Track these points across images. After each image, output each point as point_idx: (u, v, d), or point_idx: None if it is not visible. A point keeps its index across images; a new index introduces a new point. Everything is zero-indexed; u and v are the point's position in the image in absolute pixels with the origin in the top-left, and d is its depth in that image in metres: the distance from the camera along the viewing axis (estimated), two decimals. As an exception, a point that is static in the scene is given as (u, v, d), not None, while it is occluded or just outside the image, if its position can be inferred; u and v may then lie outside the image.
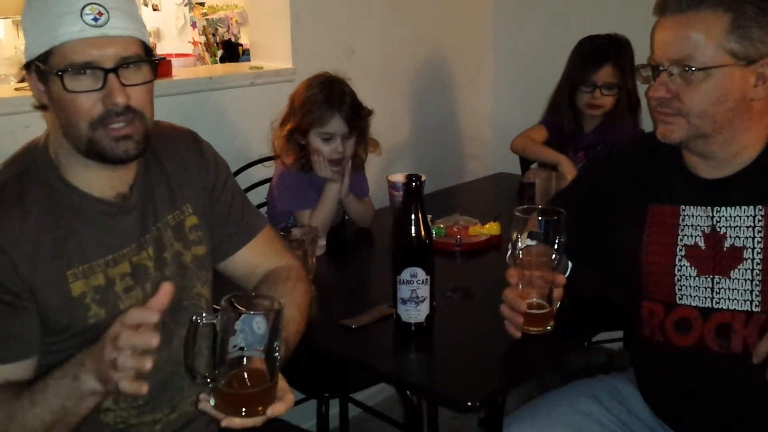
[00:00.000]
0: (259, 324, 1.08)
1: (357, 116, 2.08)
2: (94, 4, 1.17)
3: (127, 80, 1.20)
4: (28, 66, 1.22)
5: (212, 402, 1.12)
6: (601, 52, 2.52)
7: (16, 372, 1.20)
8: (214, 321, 1.11)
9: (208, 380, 1.13)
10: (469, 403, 1.33)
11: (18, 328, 1.20)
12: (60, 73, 1.16)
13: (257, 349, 1.09)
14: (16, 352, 1.21)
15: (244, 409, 1.11)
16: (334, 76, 2.11)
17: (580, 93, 2.56)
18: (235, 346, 1.08)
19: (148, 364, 1.07)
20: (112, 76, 1.18)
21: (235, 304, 1.08)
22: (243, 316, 1.07)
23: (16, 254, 1.18)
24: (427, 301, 1.50)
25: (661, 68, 1.36)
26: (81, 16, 1.16)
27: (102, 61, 1.18)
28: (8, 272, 1.18)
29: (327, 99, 2.04)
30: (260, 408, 1.12)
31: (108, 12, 1.18)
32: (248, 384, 1.11)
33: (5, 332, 1.19)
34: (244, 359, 1.10)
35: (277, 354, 1.11)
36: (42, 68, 1.19)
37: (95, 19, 1.17)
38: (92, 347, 1.12)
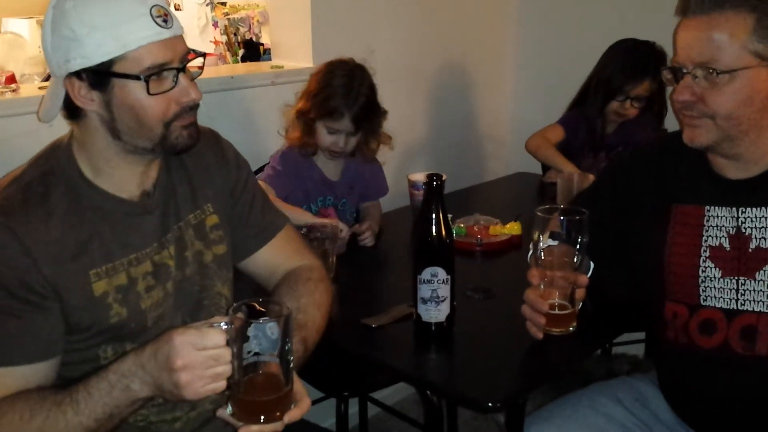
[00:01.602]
0: (272, 329, 1.08)
1: (367, 116, 2.07)
2: (158, 5, 1.19)
3: (188, 76, 1.24)
4: (77, 74, 1.20)
5: (230, 410, 1.12)
6: (643, 66, 2.49)
7: (39, 372, 1.21)
8: (226, 328, 1.10)
9: (225, 388, 1.12)
10: (490, 404, 1.33)
11: (42, 329, 1.21)
12: (146, 78, 1.18)
13: (272, 354, 1.09)
14: (41, 352, 1.21)
15: (263, 416, 1.11)
16: (358, 68, 2.09)
17: (612, 101, 2.54)
18: (249, 352, 1.08)
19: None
20: (182, 75, 1.22)
21: (250, 308, 1.09)
22: (254, 323, 1.07)
23: (41, 255, 1.19)
24: (448, 300, 1.50)
25: (685, 71, 1.35)
26: (153, 19, 1.17)
27: (174, 61, 1.20)
28: (33, 273, 1.18)
29: (343, 96, 2.03)
30: (278, 413, 1.12)
31: (169, 12, 1.21)
32: (265, 390, 1.11)
33: (30, 332, 1.20)
34: (259, 365, 1.10)
35: (290, 358, 1.11)
36: (106, 74, 1.18)
37: (165, 21, 1.19)
38: (145, 353, 1.12)
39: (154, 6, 1.18)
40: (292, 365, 1.12)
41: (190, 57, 1.26)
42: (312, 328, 1.37)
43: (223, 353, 1.09)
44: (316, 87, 2.07)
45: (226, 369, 1.09)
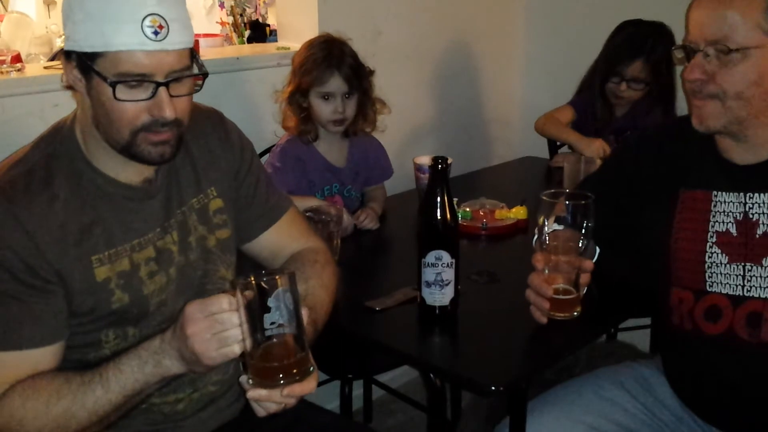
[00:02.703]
0: (288, 300, 1.09)
1: (357, 75, 2.07)
2: (156, 15, 1.14)
3: (175, 92, 1.19)
4: (68, 53, 1.20)
5: (250, 381, 1.13)
6: (635, 45, 2.45)
7: (45, 355, 1.21)
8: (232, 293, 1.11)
9: (240, 355, 1.13)
10: (493, 387, 1.33)
11: (47, 313, 1.20)
12: (113, 83, 1.15)
13: (291, 324, 1.10)
14: (46, 336, 1.21)
15: (281, 376, 1.11)
16: (334, 37, 2.11)
17: (608, 82, 2.52)
18: (273, 323, 1.09)
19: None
20: (162, 89, 1.18)
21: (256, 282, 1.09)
22: (276, 291, 1.08)
23: (44, 239, 1.19)
24: (452, 284, 1.49)
25: (697, 49, 1.34)
26: (141, 27, 1.13)
27: (155, 74, 1.17)
28: (36, 257, 1.18)
29: (326, 58, 2.03)
30: (295, 371, 1.12)
31: (168, 25, 1.15)
32: (281, 355, 1.12)
33: (35, 317, 1.19)
34: (277, 336, 1.11)
35: (302, 320, 1.12)
36: (88, 66, 1.17)
37: (155, 33, 1.14)
38: (170, 330, 1.15)
39: (150, 15, 1.14)
40: (304, 327, 1.13)
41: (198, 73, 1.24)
42: (321, 310, 1.38)
43: (227, 317, 1.10)
44: (299, 61, 2.08)
45: (234, 333, 1.10)
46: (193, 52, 1.25)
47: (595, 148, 2.43)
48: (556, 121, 2.65)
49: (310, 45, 2.10)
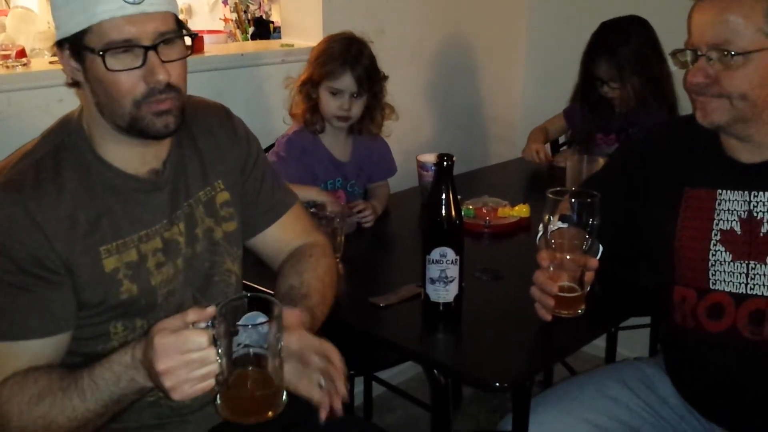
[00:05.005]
0: (262, 328, 1.05)
1: (369, 78, 2.07)
2: None
3: (166, 56, 1.19)
4: (60, 44, 1.21)
5: (218, 402, 1.09)
6: (598, 45, 2.43)
7: (50, 346, 1.21)
8: (208, 326, 1.06)
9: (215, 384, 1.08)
10: (497, 384, 1.33)
11: (54, 304, 1.21)
12: (101, 53, 1.15)
13: (262, 347, 1.06)
14: (52, 326, 1.21)
15: (252, 417, 1.08)
16: (356, 37, 2.11)
17: (594, 86, 2.51)
18: (239, 344, 1.05)
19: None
20: (152, 54, 1.17)
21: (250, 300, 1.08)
22: (241, 327, 1.04)
23: (52, 231, 1.19)
24: (456, 281, 1.50)
25: (699, 53, 1.34)
26: None
27: (141, 38, 1.17)
28: (44, 249, 1.18)
29: (342, 54, 2.04)
30: (270, 413, 1.09)
31: None
32: (254, 387, 1.08)
33: (41, 307, 1.20)
34: (249, 359, 1.07)
35: (280, 352, 1.08)
36: (79, 47, 1.18)
37: None
38: (139, 349, 1.10)
39: None
40: (282, 362, 1.10)
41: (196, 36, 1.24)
42: (316, 298, 1.38)
43: (206, 355, 1.05)
44: (316, 54, 2.09)
45: (212, 369, 1.05)
46: (179, 20, 1.24)
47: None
48: (540, 135, 2.72)
49: (332, 39, 2.11)
